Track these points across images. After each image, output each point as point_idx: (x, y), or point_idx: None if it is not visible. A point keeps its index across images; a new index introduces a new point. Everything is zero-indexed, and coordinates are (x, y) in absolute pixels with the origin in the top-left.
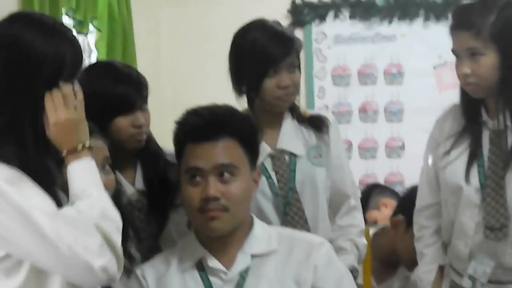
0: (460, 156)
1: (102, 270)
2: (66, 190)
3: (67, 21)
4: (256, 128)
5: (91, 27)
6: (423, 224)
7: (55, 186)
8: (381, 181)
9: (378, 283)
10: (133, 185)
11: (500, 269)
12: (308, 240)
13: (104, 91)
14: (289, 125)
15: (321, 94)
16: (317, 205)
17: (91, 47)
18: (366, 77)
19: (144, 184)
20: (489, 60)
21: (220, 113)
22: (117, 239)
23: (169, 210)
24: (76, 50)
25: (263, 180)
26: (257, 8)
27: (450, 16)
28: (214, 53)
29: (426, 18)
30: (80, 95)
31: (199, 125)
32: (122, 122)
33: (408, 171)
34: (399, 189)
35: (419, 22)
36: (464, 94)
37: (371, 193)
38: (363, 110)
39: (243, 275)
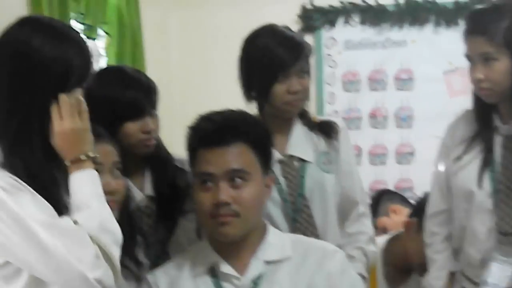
0: (472, 161)
1: (97, 282)
2: None
3: (76, 26)
4: (269, 133)
5: (100, 32)
6: (433, 231)
7: (62, 194)
8: (390, 187)
9: None
10: (142, 191)
11: None
12: (322, 248)
13: (114, 96)
14: (299, 131)
15: (331, 99)
16: (326, 211)
17: (100, 52)
18: (376, 82)
19: (153, 190)
20: (502, 65)
21: (232, 118)
22: (115, 251)
23: (177, 216)
24: (85, 55)
25: None
26: (267, 13)
27: (460, 22)
28: (223, 58)
29: (437, 24)
30: (85, 105)
31: (211, 130)
32: (131, 128)
33: (418, 177)
34: (409, 195)
35: (429, 27)
36: (476, 99)
37: (380, 199)
38: (373, 116)
39: (256, 282)
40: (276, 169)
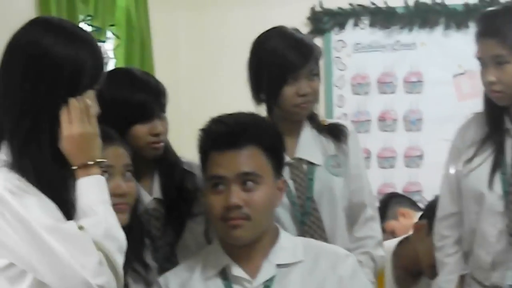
0: (483, 163)
1: None
2: None
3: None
4: (281, 136)
5: (108, 34)
6: (443, 234)
7: (70, 196)
8: (399, 190)
9: None
10: (151, 193)
11: None
12: (334, 252)
13: (123, 98)
14: (307, 133)
15: (340, 102)
16: (335, 215)
17: (108, 54)
18: (385, 85)
19: (161, 193)
20: None
21: (244, 121)
22: (119, 258)
23: (186, 219)
24: (97, 56)
25: None
26: (276, 15)
27: (470, 24)
28: (232, 60)
29: (447, 27)
30: (93, 110)
31: (223, 133)
32: (140, 130)
33: (427, 180)
34: (418, 199)
35: (439, 30)
36: (488, 101)
37: (389, 202)
38: (382, 119)
39: (267, 285)
40: (285, 172)
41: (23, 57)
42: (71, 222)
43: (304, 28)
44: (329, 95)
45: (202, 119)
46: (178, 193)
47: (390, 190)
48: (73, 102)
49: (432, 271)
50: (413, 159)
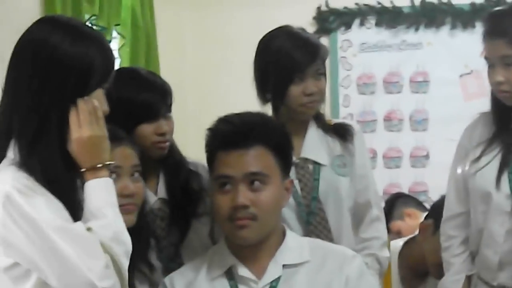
0: (490, 162)
1: None
2: None
3: None
4: (288, 136)
5: (114, 33)
6: (450, 234)
7: (78, 196)
8: (405, 190)
9: None
10: (156, 193)
11: None
12: (341, 252)
13: (129, 98)
14: (313, 133)
15: (346, 102)
16: (341, 215)
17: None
18: (391, 85)
19: (166, 193)
20: None
21: (252, 121)
22: (125, 263)
23: (191, 219)
24: (106, 54)
25: None
26: (282, 15)
27: (477, 24)
28: (238, 60)
29: (453, 26)
30: (100, 112)
31: (230, 132)
32: (146, 130)
33: (433, 180)
34: (424, 199)
35: (445, 30)
36: (495, 101)
37: (395, 202)
38: (388, 119)
39: (273, 285)
40: (291, 172)
41: (30, 55)
42: (79, 223)
43: (310, 28)
44: (335, 95)
45: (207, 119)
46: (183, 193)
47: (396, 190)
48: (82, 104)
49: (439, 271)
50: (419, 159)
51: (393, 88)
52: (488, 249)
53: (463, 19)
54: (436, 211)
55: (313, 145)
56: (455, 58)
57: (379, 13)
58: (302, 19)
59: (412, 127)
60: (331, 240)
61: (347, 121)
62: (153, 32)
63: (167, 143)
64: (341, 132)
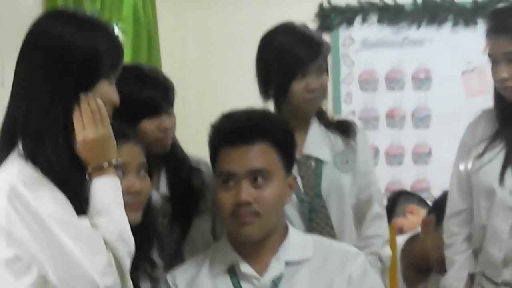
0: (493, 159)
1: None
2: None
3: None
4: (292, 132)
5: (115, 29)
6: (453, 231)
7: (84, 189)
8: (407, 188)
9: None
10: (158, 190)
11: None
12: (344, 250)
13: (131, 94)
14: (316, 130)
15: (348, 99)
16: (343, 212)
17: None
18: (393, 82)
19: (168, 190)
20: None
21: (255, 117)
22: (127, 262)
23: (192, 216)
24: (113, 43)
25: None
26: (284, 11)
27: (479, 21)
28: (240, 56)
29: (455, 23)
30: (104, 110)
31: (233, 129)
32: (148, 126)
33: (435, 178)
34: (426, 196)
35: (447, 27)
36: (498, 97)
37: (397, 200)
38: (390, 116)
39: (276, 282)
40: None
41: (33, 48)
42: (84, 218)
43: (312, 25)
44: (337, 91)
45: (209, 116)
46: (185, 190)
47: (398, 187)
48: (85, 105)
49: (441, 266)
50: (421, 156)
51: (395, 85)
52: (492, 246)
53: (465, 16)
54: (438, 206)
55: (316, 142)
56: (457, 55)
57: (381, 10)
58: (304, 16)
59: (414, 124)
60: (333, 237)
61: (349, 118)
62: (154, 28)
63: (169, 140)
64: (343, 129)
